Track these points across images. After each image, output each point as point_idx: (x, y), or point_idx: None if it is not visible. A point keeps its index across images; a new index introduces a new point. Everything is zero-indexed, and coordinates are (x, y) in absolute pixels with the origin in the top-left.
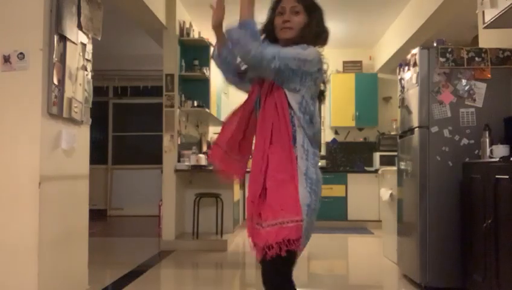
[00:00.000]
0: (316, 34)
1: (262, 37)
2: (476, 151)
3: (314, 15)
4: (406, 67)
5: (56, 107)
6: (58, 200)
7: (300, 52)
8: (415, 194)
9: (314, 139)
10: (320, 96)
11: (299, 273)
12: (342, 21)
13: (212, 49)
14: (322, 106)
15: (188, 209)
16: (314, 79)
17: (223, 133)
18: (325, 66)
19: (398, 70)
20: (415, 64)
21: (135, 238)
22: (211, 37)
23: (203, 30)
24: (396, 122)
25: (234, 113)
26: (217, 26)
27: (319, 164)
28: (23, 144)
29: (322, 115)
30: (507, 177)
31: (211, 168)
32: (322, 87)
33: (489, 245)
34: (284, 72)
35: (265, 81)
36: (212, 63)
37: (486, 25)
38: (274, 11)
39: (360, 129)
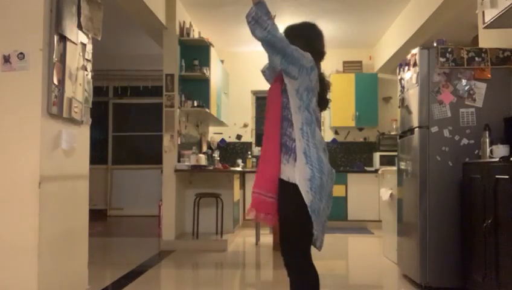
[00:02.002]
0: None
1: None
2: (476, 151)
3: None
4: (406, 67)
5: (56, 107)
6: (58, 200)
7: (299, 49)
8: (415, 194)
9: (314, 125)
10: (321, 101)
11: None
12: (342, 21)
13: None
14: None
15: (188, 209)
16: (308, 74)
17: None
18: (314, 72)
19: (398, 70)
20: (415, 64)
21: (135, 238)
22: (211, 37)
23: (203, 30)
24: (396, 122)
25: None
26: None
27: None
28: (23, 144)
29: (322, 115)
30: (507, 177)
31: (210, 168)
32: (319, 90)
33: (489, 245)
34: (289, 57)
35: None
36: (212, 63)
37: (486, 25)
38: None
39: (360, 129)
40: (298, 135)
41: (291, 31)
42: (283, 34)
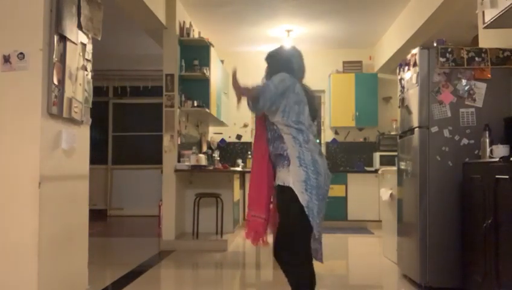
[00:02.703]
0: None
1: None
2: (476, 151)
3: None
4: (406, 67)
5: (56, 107)
6: (58, 200)
7: (274, 82)
8: (415, 194)
9: (307, 132)
10: (313, 112)
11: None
12: (342, 21)
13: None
14: (322, 105)
15: (188, 209)
16: (292, 90)
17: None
18: (297, 85)
19: (398, 70)
20: (415, 64)
21: (135, 238)
22: (211, 37)
23: (203, 30)
24: (396, 122)
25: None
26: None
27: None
28: (23, 144)
29: (322, 115)
30: (507, 177)
31: (210, 168)
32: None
33: (489, 245)
34: (272, 106)
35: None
36: (212, 63)
37: (486, 25)
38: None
39: (360, 129)
40: (291, 142)
41: (269, 58)
42: (264, 87)
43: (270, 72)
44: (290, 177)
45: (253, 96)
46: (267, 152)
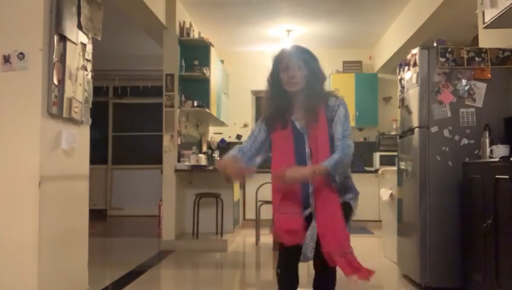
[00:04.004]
0: (321, 81)
1: (270, 89)
2: (476, 151)
3: (314, 66)
4: (406, 67)
5: (56, 107)
6: (58, 200)
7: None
8: (415, 194)
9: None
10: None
11: (299, 273)
12: (342, 21)
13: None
14: None
15: (188, 209)
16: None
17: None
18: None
19: (398, 70)
20: (415, 64)
21: (135, 238)
22: (211, 37)
23: (203, 30)
24: (396, 122)
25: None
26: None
27: None
28: (23, 144)
29: None
30: (507, 177)
31: (210, 168)
32: None
33: (489, 245)
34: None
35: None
36: (212, 63)
37: (486, 25)
38: (277, 66)
39: (360, 129)
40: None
41: (312, 60)
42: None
43: (311, 83)
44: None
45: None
46: None
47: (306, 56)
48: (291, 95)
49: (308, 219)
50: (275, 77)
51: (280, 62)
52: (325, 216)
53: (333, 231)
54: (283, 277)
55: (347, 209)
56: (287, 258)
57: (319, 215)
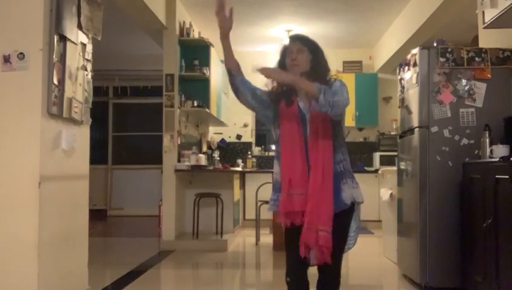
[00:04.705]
0: (325, 66)
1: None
2: (476, 151)
3: (318, 53)
4: (406, 67)
5: (56, 107)
6: (58, 200)
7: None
8: (415, 194)
9: None
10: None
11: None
12: (342, 21)
13: (211, 51)
14: None
15: (188, 209)
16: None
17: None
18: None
19: (398, 70)
20: (415, 64)
21: (135, 238)
22: (211, 37)
23: (203, 30)
24: (396, 122)
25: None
26: (225, 37)
27: None
28: (23, 144)
29: None
30: (507, 177)
31: (210, 168)
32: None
33: (489, 245)
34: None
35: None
36: (212, 63)
37: (486, 25)
38: (284, 55)
39: (360, 129)
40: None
41: (315, 50)
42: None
43: (316, 67)
44: (358, 191)
45: (313, 90)
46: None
47: (309, 43)
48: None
49: None
50: (281, 67)
51: (287, 49)
52: (315, 185)
53: (317, 201)
54: (292, 286)
55: (350, 213)
56: (295, 265)
57: (310, 184)
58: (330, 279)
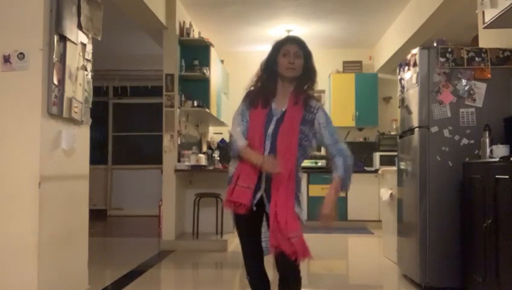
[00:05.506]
0: (315, 72)
1: (262, 72)
2: (476, 151)
3: (310, 58)
4: (406, 67)
5: (56, 107)
6: (58, 200)
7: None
8: (415, 194)
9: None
10: None
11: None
12: (342, 21)
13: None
14: None
15: (188, 209)
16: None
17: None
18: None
19: (398, 70)
20: (415, 64)
21: (135, 238)
22: (211, 37)
23: (203, 30)
24: (396, 122)
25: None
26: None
27: (319, 163)
28: (23, 144)
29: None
30: (507, 177)
31: (210, 168)
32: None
33: (489, 245)
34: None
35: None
36: (212, 63)
37: (486, 25)
38: (277, 50)
39: (360, 129)
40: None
41: (308, 55)
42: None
43: (307, 73)
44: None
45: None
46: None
47: (305, 49)
48: (280, 79)
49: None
50: (270, 61)
51: (282, 47)
52: (278, 196)
53: (283, 209)
54: (254, 284)
55: None
56: (252, 262)
57: (273, 195)
58: (293, 274)
